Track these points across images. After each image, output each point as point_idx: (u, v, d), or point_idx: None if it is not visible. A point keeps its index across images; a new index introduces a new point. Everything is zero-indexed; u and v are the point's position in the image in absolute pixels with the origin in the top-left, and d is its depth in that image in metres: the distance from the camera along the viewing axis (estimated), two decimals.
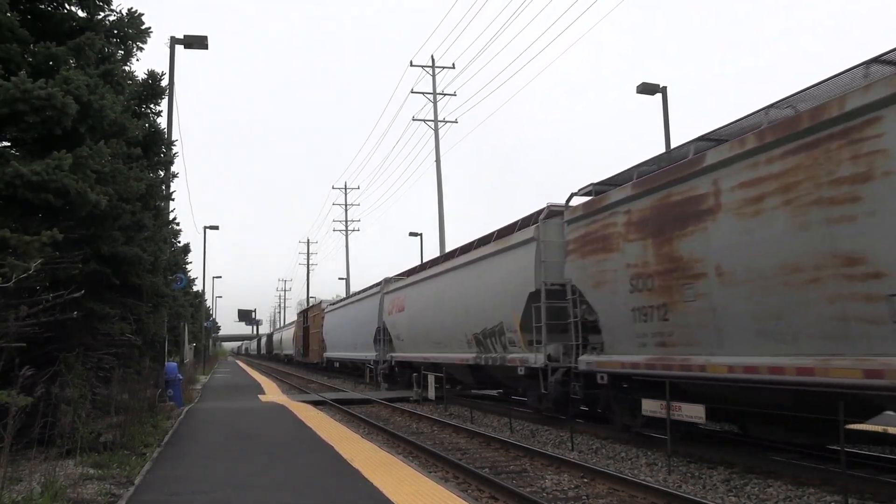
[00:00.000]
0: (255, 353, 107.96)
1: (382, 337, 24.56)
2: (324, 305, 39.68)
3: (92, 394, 10.57)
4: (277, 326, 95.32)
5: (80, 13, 10.11)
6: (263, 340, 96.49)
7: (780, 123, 7.81)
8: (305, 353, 45.61)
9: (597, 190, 11.77)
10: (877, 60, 7.38)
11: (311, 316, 43.85)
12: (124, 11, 10.65)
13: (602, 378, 10.94)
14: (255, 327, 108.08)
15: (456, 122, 36.41)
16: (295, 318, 64.13)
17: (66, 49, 8.94)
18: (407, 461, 9.01)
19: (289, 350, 59.79)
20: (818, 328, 7.28)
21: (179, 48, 18.50)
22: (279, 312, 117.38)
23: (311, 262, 72.25)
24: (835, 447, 8.93)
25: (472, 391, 20.63)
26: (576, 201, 12.31)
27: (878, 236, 6.59)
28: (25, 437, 7.30)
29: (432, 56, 34.01)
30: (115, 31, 10.67)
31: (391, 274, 27.49)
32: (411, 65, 31.69)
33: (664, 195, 9.52)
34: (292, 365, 56.35)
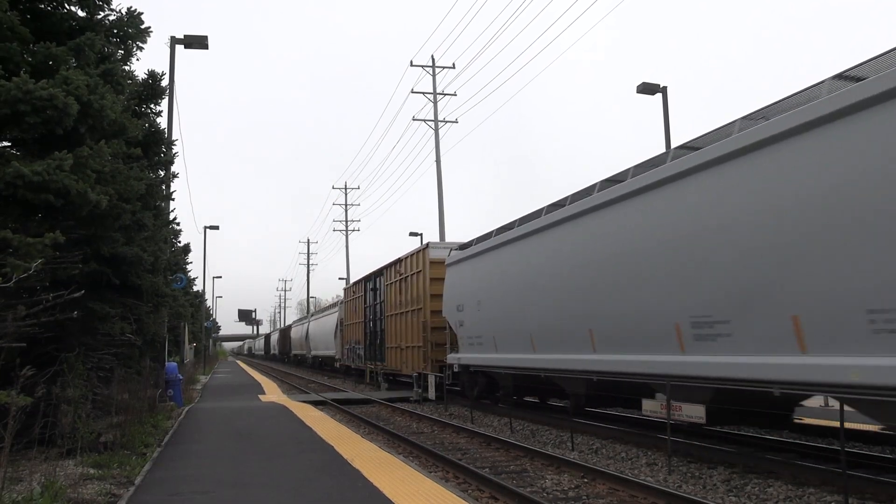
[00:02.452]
0: (262, 353, 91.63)
1: None
2: (436, 254, 19.34)
3: (92, 394, 10.56)
4: (296, 318, 68.43)
5: (80, 13, 10.11)
6: (275, 337, 76.25)
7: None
8: (374, 354, 25.11)
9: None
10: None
11: (390, 283, 23.10)
12: (124, 11, 10.65)
13: None
14: (255, 327, 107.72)
15: (456, 121, 36.42)
16: (339, 296, 41.97)
17: (66, 49, 8.93)
18: (407, 461, 9.01)
19: (324, 349, 38.85)
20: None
21: (179, 48, 18.53)
22: (279, 312, 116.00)
23: (311, 262, 71.85)
24: (835, 447, 8.95)
25: None
26: None
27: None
28: (26, 437, 7.30)
29: (432, 56, 34.01)
30: (115, 31, 10.66)
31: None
32: (411, 65, 31.69)
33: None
34: (333, 374, 36.45)
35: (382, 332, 24.14)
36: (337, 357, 34.13)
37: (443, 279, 18.04)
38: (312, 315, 49.16)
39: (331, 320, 36.56)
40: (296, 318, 70.50)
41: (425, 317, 19.30)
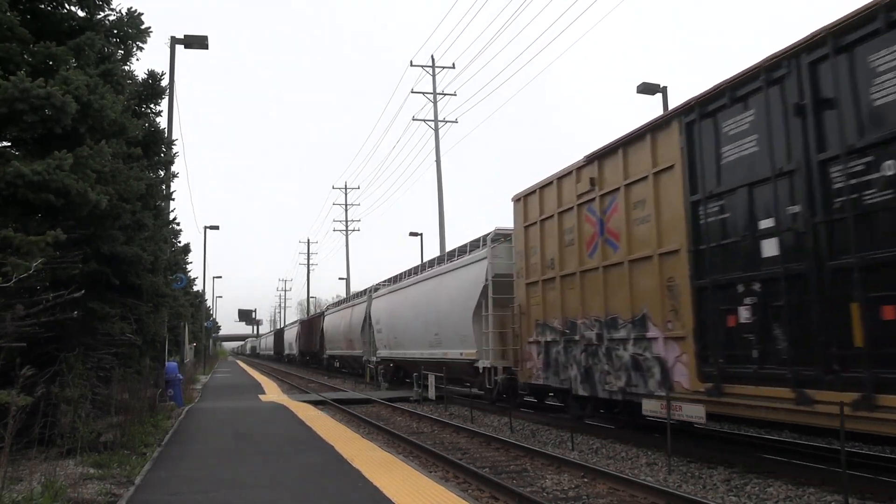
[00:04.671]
0: (271, 353, 78.90)
1: None
2: None
3: (92, 393, 10.57)
4: (328, 307, 43.40)
5: (80, 13, 10.13)
6: (291, 333, 58.26)
7: None
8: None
9: None
10: None
11: None
12: (124, 11, 10.67)
13: None
14: (255, 327, 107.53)
15: (456, 121, 36.52)
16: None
17: (66, 49, 8.95)
18: (407, 461, 9.01)
19: (419, 348, 20.09)
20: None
21: (180, 48, 18.54)
22: (279, 312, 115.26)
23: (311, 262, 71.59)
24: (835, 447, 8.95)
25: None
26: None
27: None
28: (26, 437, 7.31)
29: (432, 56, 34.04)
30: (115, 31, 10.68)
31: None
32: (411, 65, 31.71)
33: None
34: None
35: None
36: (485, 364, 15.41)
37: None
38: (377, 289, 27.37)
39: (458, 282, 17.64)
40: (329, 307, 44.18)
41: None
